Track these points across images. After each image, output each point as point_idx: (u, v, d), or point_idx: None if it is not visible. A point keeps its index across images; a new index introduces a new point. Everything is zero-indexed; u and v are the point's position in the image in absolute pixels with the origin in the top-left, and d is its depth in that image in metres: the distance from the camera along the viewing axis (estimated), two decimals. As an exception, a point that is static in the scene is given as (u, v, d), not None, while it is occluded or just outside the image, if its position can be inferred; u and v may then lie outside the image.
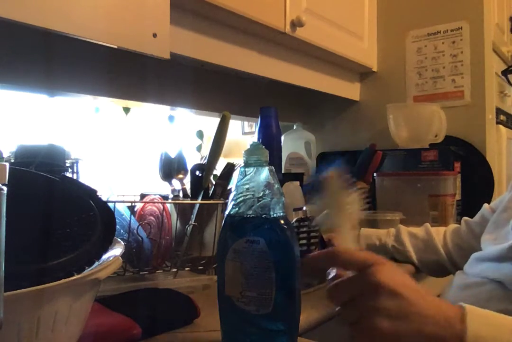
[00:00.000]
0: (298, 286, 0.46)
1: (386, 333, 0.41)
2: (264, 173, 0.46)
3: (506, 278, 0.64)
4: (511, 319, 0.45)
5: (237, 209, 0.45)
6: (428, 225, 0.97)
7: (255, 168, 0.46)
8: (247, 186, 0.45)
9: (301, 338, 0.60)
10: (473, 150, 1.41)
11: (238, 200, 0.45)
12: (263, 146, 0.47)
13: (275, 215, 0.45)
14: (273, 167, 0.46)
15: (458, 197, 1.30)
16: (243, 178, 0.46)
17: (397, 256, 0.94)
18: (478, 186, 1.39)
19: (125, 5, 0.75)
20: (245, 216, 0.45)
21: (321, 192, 0.49)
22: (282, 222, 0.45)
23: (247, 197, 0.45)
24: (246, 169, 0.46)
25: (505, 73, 0.81)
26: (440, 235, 0.94)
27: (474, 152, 1.41)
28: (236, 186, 0.46)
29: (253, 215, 0.44)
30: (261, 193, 0.45)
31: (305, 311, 0.67)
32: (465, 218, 0.95)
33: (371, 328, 0.42)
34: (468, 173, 1.37)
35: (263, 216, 0.44)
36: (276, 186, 0.46)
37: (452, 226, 0.96)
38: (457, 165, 1.33)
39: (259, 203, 0.44)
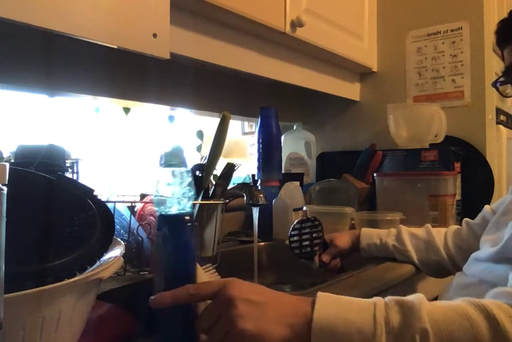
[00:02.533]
0: (184, 274, 0.51)
1: (253, 333, 0.45)
2: (175, 174, 0.51)
3: (499, 280, 0.64)
4: (358, 300, 0.49)
5: (156, 206, 0.51)
6: (429, 225, 0.97)
7: (173, 170, 0.51)
8: (167, 185, 0.51)
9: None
10: (473, 150, 1.41)
11: (157, 198, 0.51)
12: (182, 149, 0.53)
13: (171, 212, 0.50)
14: (189, 168, 0.53)
15: (458, 197, 1.30)
16: (164, 178, 0.51)
17: (397, 255, 0.94)
18: (478, 186, 1.39)
19: (125, 5, 0.75)
20: (159, 212, 0.51)
21: None
22: (179, 219, 0.51)
23: (164, 195, 0.51)
24: (165, 170, 0.51)
25: (495, 84, 0.82)
26: (441, 235, 0.94)
27: (474, 152, 1.41)
28: (157, 186, 0.51)
29: (161, 212, 0.51)
30: (171, 193, 0.51)
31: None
32: (466, 219, 0.95)
33: (238, 333, 0.45)
34: (468, 173, 1.37)
35: (162, 213, 0.50)
36: (179, 186, 0.51)
37: (453, 227, 0.96)
38: (457, 165, 1.33)
39: (163, 201, 0.51)
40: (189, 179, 0.52)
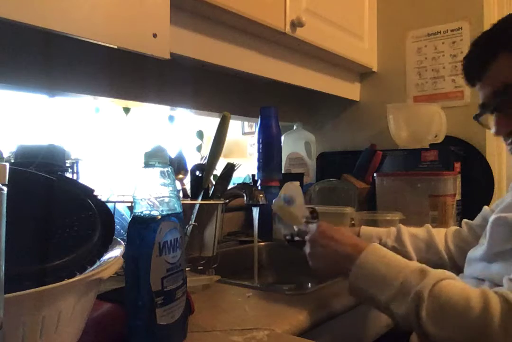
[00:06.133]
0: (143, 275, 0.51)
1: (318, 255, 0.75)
2: (156, 174, 0.52)
3: (494, 277, 0.65)
4: (401, 258, 0.67)
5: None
6: (429, 226, 0.97)
7: (152, 169, 0.52)
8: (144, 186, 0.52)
9: (302, 338, 0.60)
10: (473, 150, 1.41)
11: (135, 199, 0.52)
12: (164, 149, 0.53)
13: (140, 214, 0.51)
14: (169, 168, 0.52)
15: (458, 197, 1.30)
16: (144, 178, 0.52)
17: (397, 256, 0.95)
18: (478, 186, 1.39)
19: (125, 5, 0.75)
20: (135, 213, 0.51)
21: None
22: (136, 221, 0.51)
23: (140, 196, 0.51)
24: (146, 170, 0.52)
25: (476, 118, 0.82)
26: (441, 236, 0.94)
27: (474, 152, 1.41)
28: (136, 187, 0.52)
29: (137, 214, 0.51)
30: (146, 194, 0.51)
31: (305, 312, 0.67)
32: (465, 220, 0.95)
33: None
34: (468, 172, 1.37)
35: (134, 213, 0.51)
36: (156, 187, 0.51)
37: (453, 228, 0.96)
38: (457, 165, 1.33)
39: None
40: (164, 180, 0.52)
